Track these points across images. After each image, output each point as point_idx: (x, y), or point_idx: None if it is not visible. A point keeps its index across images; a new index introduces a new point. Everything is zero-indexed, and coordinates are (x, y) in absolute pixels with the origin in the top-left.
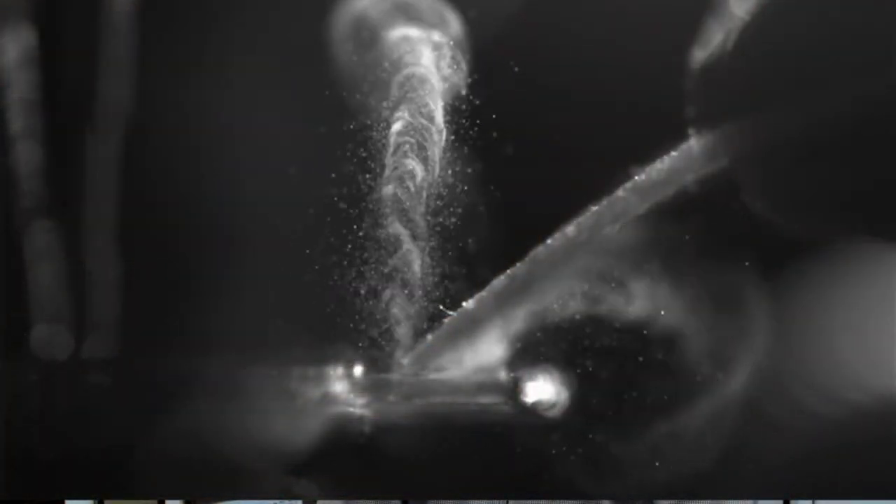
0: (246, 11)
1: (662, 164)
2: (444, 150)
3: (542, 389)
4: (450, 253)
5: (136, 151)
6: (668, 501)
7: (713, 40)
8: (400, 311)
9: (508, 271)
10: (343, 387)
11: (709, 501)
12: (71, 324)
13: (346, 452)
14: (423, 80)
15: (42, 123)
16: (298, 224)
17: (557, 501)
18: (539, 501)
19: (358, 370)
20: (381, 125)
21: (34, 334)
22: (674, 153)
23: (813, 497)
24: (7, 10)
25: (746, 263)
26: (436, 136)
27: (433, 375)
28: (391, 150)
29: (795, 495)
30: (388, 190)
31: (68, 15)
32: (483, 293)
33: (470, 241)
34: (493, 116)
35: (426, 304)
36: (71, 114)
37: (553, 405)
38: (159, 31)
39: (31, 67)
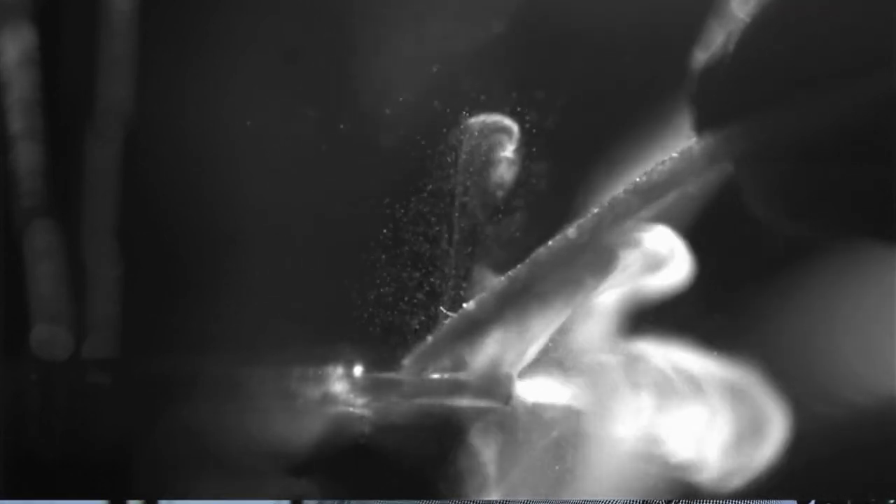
0: (246, 11)
1: (663, 166)
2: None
3: (542, 389)
4: (451, 253)
5: (136, 151)
6: (667, 502)
7: (714, 42)
8: (401, 311)
9: (509, 272)
10: (343, 387)
11: (709, 502)
12: (71, 324)
13: (346, 452)
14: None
15: (42, 123)
16: (298, 224)
17: (558, 501)
18: (539, 501)
19: (358, 370)
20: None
21: (34, 334)
22: (675, 155)
23: (813, 497)
24: (7, 10)
25: None
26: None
27: (433, 376)
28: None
29: (796, 495)
30: (390, 191)
31: (68, 15)
32: (484, 294)
33: (473, 242)
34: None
35: (427, 304)
36: (71, 114)
37: (552, 405)
38: (159, 31)
39: (31, 67)
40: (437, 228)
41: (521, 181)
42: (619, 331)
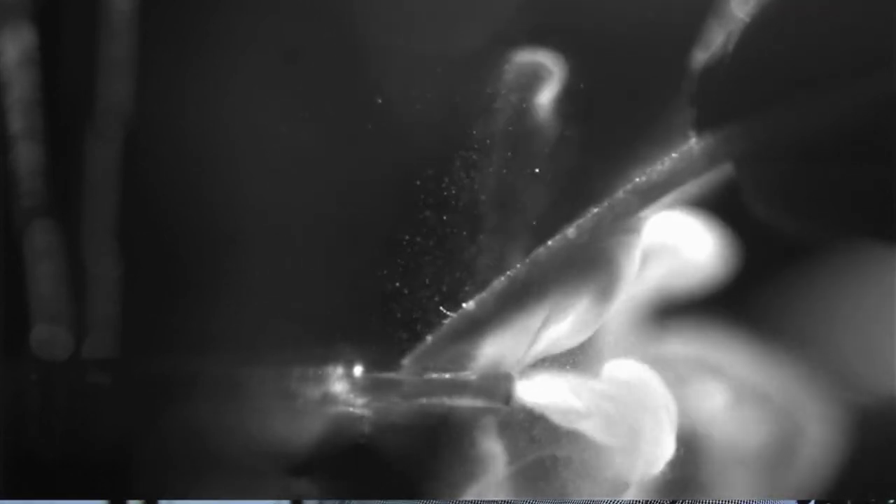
0: (246, 11)
1: (663, 166)
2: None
3: (542, 390)
4: (451, 253)
5: (136, 151)
6: (666, 502)
7: (714, 42)
8: (400, 311)
9: (509, 272)
10: (343, 387)
11: (709, 502)
12: (71, 324)
13: (346, 452)
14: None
15: (42, 123)
16: (298, 224)
17: (558, 501)
18: (539, 501)
19: (358, 370)
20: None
21: (34, 334)
22: (674, 155)
23: (813, 497)
24: (7, 10)
25: None
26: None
27: (433, 375)
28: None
29: (796, 496)
30: (389, 191)
31: (68, 15)
32: (483, 294)
33: (472, 242)
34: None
35: (427, 304)
36: (71, 114)
37: (553, 405)
38: (159, 31)
39: (31, 67)
40: (447, 217)
41: (553, 149)
42: (625, 330)
